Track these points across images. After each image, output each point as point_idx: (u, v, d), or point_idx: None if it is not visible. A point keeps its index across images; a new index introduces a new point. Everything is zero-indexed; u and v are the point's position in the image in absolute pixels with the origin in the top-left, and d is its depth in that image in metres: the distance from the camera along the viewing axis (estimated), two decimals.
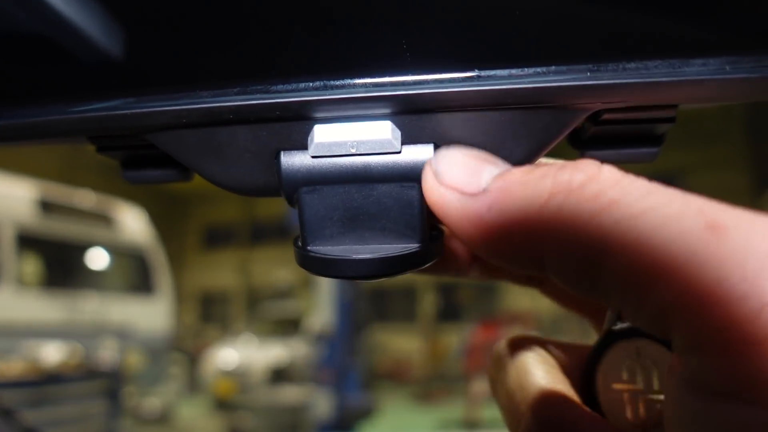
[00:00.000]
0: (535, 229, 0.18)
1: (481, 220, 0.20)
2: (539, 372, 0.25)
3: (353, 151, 0.24)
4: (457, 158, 0.21)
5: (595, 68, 0.21)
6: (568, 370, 0.27)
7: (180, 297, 11.04)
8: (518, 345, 0.27)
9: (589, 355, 0.27)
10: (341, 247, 0.25)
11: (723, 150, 10.50)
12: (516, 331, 0.31)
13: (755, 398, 0.15)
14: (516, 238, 0.19)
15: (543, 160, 0.26)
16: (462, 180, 0.20)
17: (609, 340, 0.27)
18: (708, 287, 0.15)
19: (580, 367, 0.27)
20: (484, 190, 0.20)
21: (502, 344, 0.28)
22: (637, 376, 0.26)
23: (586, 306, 0.32)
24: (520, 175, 0.20)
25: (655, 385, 0.26)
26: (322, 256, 0.24)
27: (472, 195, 0.20)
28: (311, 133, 0.24)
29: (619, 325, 0.27)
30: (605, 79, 0.21)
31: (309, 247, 0.25)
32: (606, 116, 0.24)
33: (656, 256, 0.16)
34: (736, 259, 0.15)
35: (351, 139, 0.24)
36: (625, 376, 0.26)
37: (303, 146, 0.24)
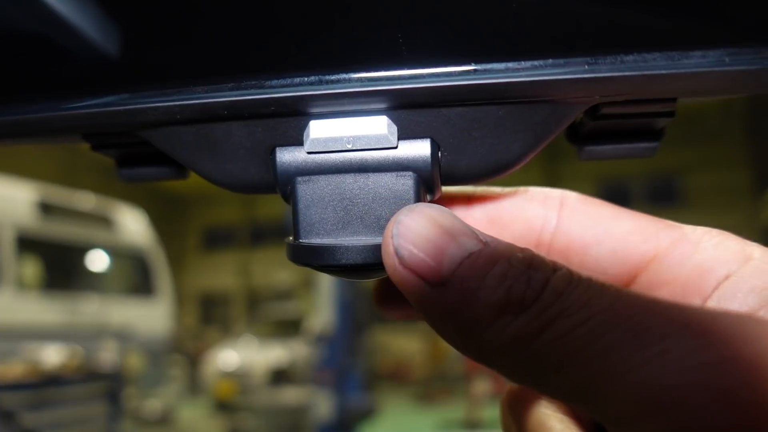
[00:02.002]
0: (490, 344, 0.19)
1: (443, 315, 0.20)
2: (557, 425, 0.25)
3: (349, 146, 0.23)
4: (418, 231, 0.20)
5: (593, 61, 0.20)
6: (583, 421, 0.26)
7: (180, 299, 11.05)
8: (531, 397, 0.26)
9: None
10: (334, 238, 0.24)
11: (723, 149, 10.49)
12: None
13: None
14: (472, 348, 0.20)
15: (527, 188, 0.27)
16: (422, 266, 0.20)
17: None
18: (639, 403, 0.16)
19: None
20: (444, 283, 0.19)
21: (513, 394, 0.27)
22: None
23: None
24: (478, 276, 0.19)
25: None
26: (314, 245, 0.24)
27: (432, 288, 0.20)
28: (306, 128, 0.24)
29: None
30: (603, 72, 0.20)
31: (301, 239, 0.24)
32: (604, 110, 0.24)
33: (590, 372, 0.17)
34: (660, 372, 0.16)
35: (347, 134, 0.23)
36: None
37: (298, 142, 0.24)
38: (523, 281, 0.19)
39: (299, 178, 0.24)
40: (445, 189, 0.27)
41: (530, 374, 0.19)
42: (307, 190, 0.24)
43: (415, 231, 0.20)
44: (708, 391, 0.15)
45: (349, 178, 0.24)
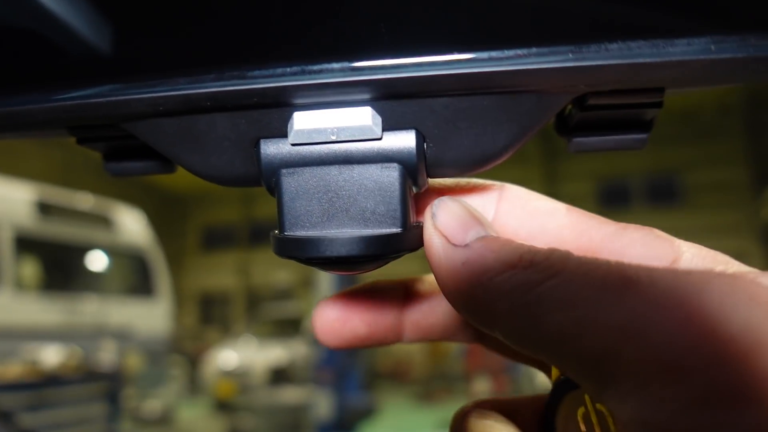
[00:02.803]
0: (495, 290, 0.21)
1: (455, 270, 0.22)
2: (501, 428, 0.26)
3: (333, 138, 0.23)
4: (455, 210, 0.24)
5: (577, 49, 0.20)
6: (528, 427, 0.28)
7: (179, 298, 11.05)
8: (474, 413, 0.27)
9: (544, 409, 0.27)
10: (319, 231, 0.24)
11: (722, 147, 10.50)
12: None
13: (688, 426, 0.16)
14: (477, 294, 0.22)
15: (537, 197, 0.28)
16: (451, 229, 0.23)
17: (561, 391, 0.26)
18: (620, 332, 0.17)
19: (539, 421, 0.28)
20: (466, 245, 0.22)
21: (458, 415, 0.28)
22: (594, 423, 0.25)
23: (534, 360, 0.32)
24: (498, 245, 0.22)
25: (613, 430, 0.25)
26: (299, 237, 0.24)
27: (455, 246, 0.23)
28: (290, 120, 0.23)
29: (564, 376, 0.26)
30: (587, 60, 0.20)
31: (286, 232, 0.24)
32: (592, 101, 0.24)
33: (580, 312, 0.19)
34: (638, 303, 0.18)
35: (331, 125, 0.23)
36: (582, 425, 0.26)
37: (283, 134, 0.24)
38: (532, 252, 0.21)
39: (284, 171, 0.24)
40: None
41: (526, 317, 0.20)
42: (291, 182, 0.24)
43: (452, 206, 0.24)
44: (685, 315, 0.17)
45: (333, 170, 0.24)
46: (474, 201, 0.28)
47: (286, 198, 0.24)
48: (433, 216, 0.24)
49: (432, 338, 0.33)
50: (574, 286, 0.19)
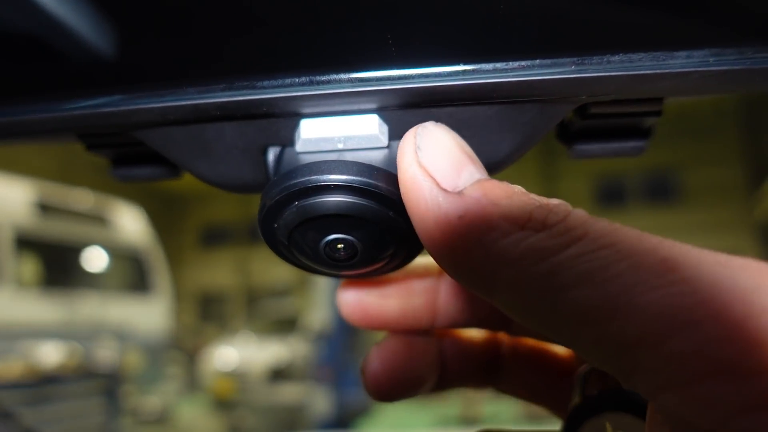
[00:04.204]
0: (497, 256, 0.18)
1: (447, 224, 0.19)
2: None
3: (340, 146, 0.24)
4: (443, 141, 0.20)
5: (580, 61, 0.21)
6: None
7: (178, 296, 11.03)
8: None
9: None
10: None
11: (718, 146, 10.51)
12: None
13: (738, 430, 0.14)
14: (475, 257, 0.18)
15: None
16: (441, 169, 0.19)
17: (577, 420, 0.25)
18: (666, 320, 0.15)
19: None
20: (460, 193, 0.19)
21: None
22: None
23: (544, 397, 0.31)
24: (500, 194, 0.19)
25: None
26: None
27: (446, 192, 0.19)
28: (298, 128, 0.24)
29: (583, 400, 0.25)
30: (590, 71, 0.21)
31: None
32: (593, 110, 0.24)
33: (613, 289, 0.16)
34: (688, 290, 0.15)
35: (338, 134, 0.24)
36: None
37: (290, 142, 0.24)
38: (545, 207, 0.18)
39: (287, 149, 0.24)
40: None
41: (538, 290, 0.17)
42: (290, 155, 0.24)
43: (440, 135, 0.20)
44: (745, 305, 0.15)
45: None
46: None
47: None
48: (417, 147, 0.20)
49: (465, 325, 0.30)
50: (601, 259, 0.16)
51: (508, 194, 0.19)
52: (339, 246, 0.23)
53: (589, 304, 0.16)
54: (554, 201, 0.19)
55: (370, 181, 0.22)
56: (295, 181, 0.22)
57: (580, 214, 0.18)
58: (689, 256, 0.16)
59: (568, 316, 0.17)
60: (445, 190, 0.19)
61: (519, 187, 0.20)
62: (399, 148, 0.21)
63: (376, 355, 0.28)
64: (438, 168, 0.19)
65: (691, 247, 0.17)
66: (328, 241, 0.23)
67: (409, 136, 0.21)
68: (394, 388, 0.28)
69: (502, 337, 0.32)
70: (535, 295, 0.17)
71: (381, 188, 0.22)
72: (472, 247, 0.18)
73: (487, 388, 0.32)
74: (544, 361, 0.31)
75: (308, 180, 0.22)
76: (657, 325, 0.15)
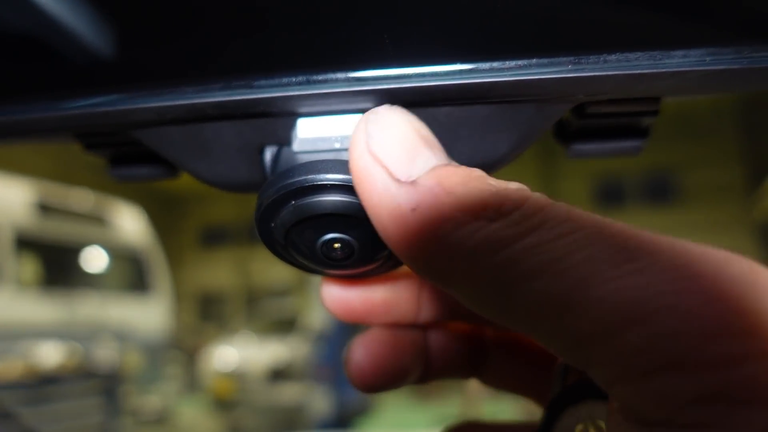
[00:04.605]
0: (452, 248, 0.17)
1: (401, 216, 0.18)
2: None
3: (337, 146, 0.24)
4: (397, 125, 0.19)
5: (577, 60, 0.21)
6: None
7: (178, 296, 11.03)
8: None
9: (538, 430, 0.25)
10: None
11: (717, 146, 10.51)
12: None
13: (690, 421, 0.14)
14: (430, 249, 0.18)
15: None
16: (393, 158, 0.19)
17: (556, 409, 0.25)
18: (618, 314, 0.15)
19: None
20: (414, 183, 0.18)
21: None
22: None
23: (528, 389, 0.31)
24: (456, 182, 0.18)
25: None
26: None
27: (399, 182, 0.18)
28: (295, 127, 0.24)
29: (562, 390, 0.25)
30: (587, 71, 0.21)
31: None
32: (590, 109, 0.24)
33: (568, 282, 0.16)
34: (644, 282, 0.15)
35: (335, 134, 0.24)
36: None
37: (287, 141, 0.24)
38: (502, 194, 0.18)
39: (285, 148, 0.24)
40: None
41: (494, 283, 0.17)
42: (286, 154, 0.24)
43: (393, 121, 0.19)
44: (704, 295, 0.14)
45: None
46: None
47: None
48: (368, 135, 0.19)
49: (449, 317, 0.30)
50: (558, 249, 0.16)
51: (463, 181, 0.18)
52: (336, 245, 0.23)
53: (543, 297, 0.16)
54: (513, 186, 0.18)
55: None
56: (292, 180, 0.22)
57: (538, 199, 0.18)
58: (649, 244, 0.16)
59: (524, 309, 0.16)
60: (398, 180, 0.18)
61: (478, 171, 0.19)
62: (352, 135, 0.20)
63: (360, 346, 0.28)
64: (390, 156, 0.19)
65: (653, 235, 0.16)
66: (324, 241, 0.23)
67: (361, 122, 0.20)
68: (378, 379, 0.28)
69: (487, 329, 0.32)
70: (491, 288, 0.17)
71: None
72: (427, 240, 0.18)
73: (471, 378, 0.32)
74: (528, 353, 0.31)
75: (305, 179, 0.21)
76: (609, 320, 0.15)
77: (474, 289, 0.18)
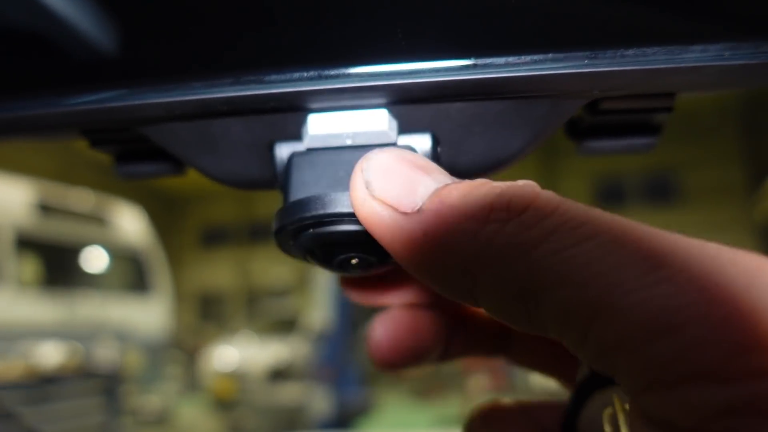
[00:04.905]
0: (470, 260, 0.17)
1: (414, 243, 0.18)
2: None
3: (349, 142, 0.23)
4: (391, 166, 0.19)
5: (593, 55, 0.20)
6: (546, 430, 0.26)
7: (178, 296, 11.03)
8: (494, 411, 0.26)
9: (565, 413, 0.25)
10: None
11: (718, 146, 10.51)
12: None
13: (716, 428, 0.14)
14: (450, 266, 0.18)
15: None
16: (395, 195, 0.19)
17: (584, 393, 0.25)
18: (647, 324, 0.15)
19: (560, 425, 0.26)
20: (419, 210, 0.18)
21: (475, 416, 0.27)
22: (620, 423, 0.23)
23: (554, 367, 0.31)
24: (458, 196, 0.18)
25: None
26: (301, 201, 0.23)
27: (406, 215, 0.19)
28: (305, 124, 0.23)
29: (591, 374, 0.25)
30: (603, 66, 0.20)
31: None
32: (604, 105, 0.24)
33: (594, 291, 0.15)
34: (673, 291, 0.15)
35: (346, 130, 0.23)
36: (607, 426, 0.24)
37: (298, 137, 0.24)
38: (508, 194, 0.17)
39: (296, 153, 0.24)
40: None
41: (517, 293, 0.17)
42: (302, 161, 0.24)
43: (386, 164, 0.20)
44: (737, 306, 0.14)
45: (346, 154, 0.24)
46: None
47: (295, 178, 0.24)
48: (367, 182, 0.19)
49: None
50: (581, 255, 0.16)
51: (465, 193, 0.18)
52: (353, 261, 0.23)
53: (570, 306, 0.16)
54: (520, 182, 0.18)
55: None
56: (309, 214, 0.22)
57: (549, 197, 0.17)
58: (677, 250, 0.15)
59: (550, 318, 0.16)
60: (404, 213, 0.19)
61: (481, 180, 0.19)
62: (350, 187, 0.20)
63: (380, 325, 0.28)
64: (392, 194, 0.19)
65: (680, 239, 0.16)
66: (342, 258, 0.23)
67: (356, 174, 0.20)
68: (398, 357, 0.28)
69: None
70: (516, 299, 0.17)
71: None
72: (444, 258, 0.18)
73: (497, 357, 0.32)
74: None
75: (322, 215, 0.21)
76: (637, 330, 0.15)
77: (499, 302, 0.18)
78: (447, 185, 0.19)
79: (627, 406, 0.23)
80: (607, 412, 0.24)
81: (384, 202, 0.19)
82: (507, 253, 0.17)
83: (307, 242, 0.22)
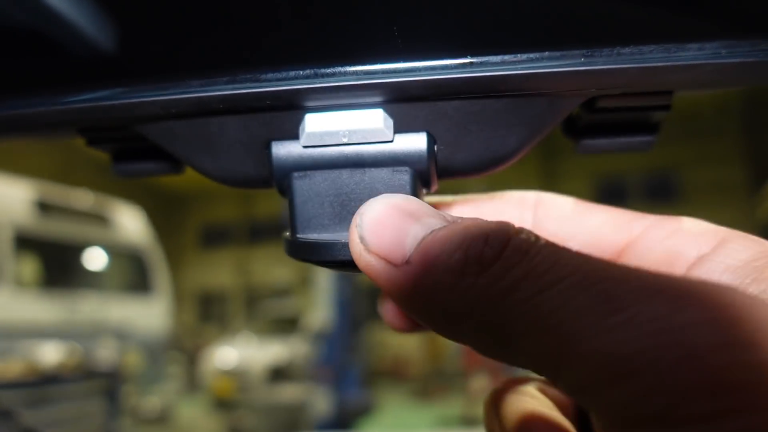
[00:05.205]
0: (451, 311, 0.19)
1: (406, 293, 0.20)
2: (538, 414, 0.25)
3: (345, 140, 0.23)
4: (381, 219, 0.21)
5: (590, 53, 0.20)
6: (565, 408, 0.27)
7: (178, 296, 11.04)
8: (512, 390, 0.27)
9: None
10: (331, 234, 0.24)
11: (720, 145, 10.51)
12: None
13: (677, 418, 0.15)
14: (436, 314, 0.19)
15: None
16: (386, 248, 0.20)
17: None
18: (604, 370, 0.15)
19: (578, 406, 0.27)
20: (407, 262, 0.20)
21: (496, 390, 0.27)
22: None
23: None
24: (439, 246, 0.19)
25: None
26: (311, 240, 0.24)
27: (396, 266, 0.20)
28: (302, 122, 0.23)
29: None
30: (599, 64, 0.20)
31: (298, 235, 0.24)
32: (601, 104, 0.24)
33: (556, 338, 0.16)
34: (626, 337, 0.15)
35: (343, 128, 0.23)
36: None
37: (294, 136, 0.24)
38: (481, 242, 0.19)
39: (296, 174, 0.24)
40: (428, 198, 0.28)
41: (494, 339, 0.18)
42: (303, 185, 0.24)
43: (376, 218, 0.21)
44: (684, 350, 0.15)
45: (345, 174, 0.24)
46: (511, 212, 0.27)
47: (298, 201, 0.24)
48: (361, 238, 0.21)
49: None
50: (546, 302, 0.17)
51: (444, 241, 0.19)
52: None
53: (537, 352, 0.17)
54: (493, 225, 0.19)
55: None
56: (314, 259, 0.24)
57: (520, 242, 0.18)
58: (637, 290, 0.16)
59: (524, 361, 0.18)
60: (396, 265, 0.20)
61: (464, 223, 0.20)
62: (349, 241, 0.22)
63: None
64: (384, 248, 0.20)
65: (647, 275, 0.17)
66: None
67: (352, 230, 0.21)
68: (411, 319, 0.29)
69: None
70: (494, 344, 0.18)
71: None
72: (430, 307, 0.19)
73: None
74: None
75: (325, 260, 0.24)
76: (599, 374, 0.15)
77: (482, 345, 0.19)
78: (432, 232, 0.20)
79: None
80: None
81: (378, 255, 0.20)
82: (481, 304, 0.18)
83: (314, 263, 0.25)
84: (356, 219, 0.21)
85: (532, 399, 0.26)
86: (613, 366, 0.15)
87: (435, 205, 0.28)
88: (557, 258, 0.17)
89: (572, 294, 0.16)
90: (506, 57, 0.21)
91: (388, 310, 0.29)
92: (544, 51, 0.20)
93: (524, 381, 0.28)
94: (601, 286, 0.16)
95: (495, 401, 0.27)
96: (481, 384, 6.16)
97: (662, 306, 0.15)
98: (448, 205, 0.29)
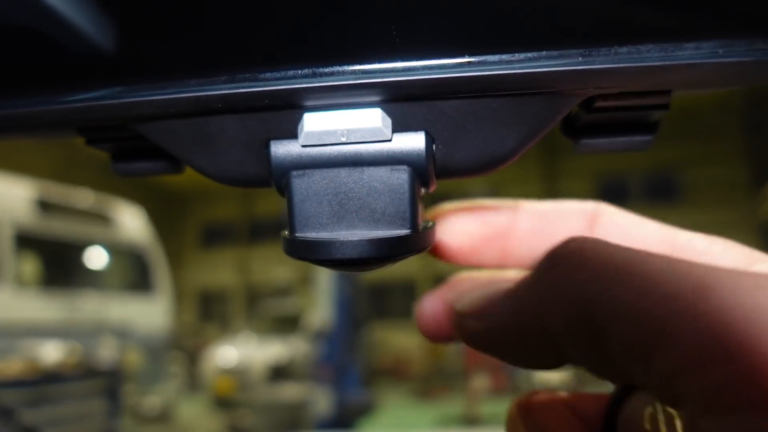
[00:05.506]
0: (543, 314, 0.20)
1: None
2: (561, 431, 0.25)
3: (343, 139, 0.23)
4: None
5: (587, 53, 0.20)
6: (589, 424, 0.27)
7: (179, 295, 11.05)
8: (536, 403, 0.27)
9: (608, 407, 0.26)
10: (330, 232, 0.24)
11: (721, 145, 10.51)
12: None
13: None
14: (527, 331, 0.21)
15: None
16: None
17: (627, 388, 0.25)
18: (699, 352, 0.16)
19: (601, 418, 0.27)
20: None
21: (520, 403, 0.28)
22: (660, 423, 0.24)
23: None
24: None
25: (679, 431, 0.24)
26: (309, 239, 0.24)
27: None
28: (301, 121, 0.24)
29: None
30: (597, 63, 0.20)
31: (297, 233, 0.24)
32: (599, 103, 0.24)
33: (652, 322, 0.16)
34: (725, 317, 0.16)
35: (341, 127, 0.23)
36: (647, 425, 0.24)
37: (293, 135, 0.24)
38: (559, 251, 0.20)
39: (294, 173, 0.24)
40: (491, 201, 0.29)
41: (587, 336, 0.19)
42: (302, 184, 0.24)
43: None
44: None
45: (343, 172, 0.24)
46: (576, 223, 0.29)
47: (296, 200, 0.24)
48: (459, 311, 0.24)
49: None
50: (633, 290, 0.17)
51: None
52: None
53: (632, 340, 0.17)
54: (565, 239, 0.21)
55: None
56: (312, 257, 0.24)
57: (578, 242, 0.20)
58: (724, 280, 0.16)
59: (618, 354, 0.18)
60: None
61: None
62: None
63: (433, 298, 0.29)
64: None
65: (726, 271, 0.17)
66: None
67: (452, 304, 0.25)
68: (446, 330, 0.29)
69: None
70: (589, 340, 0.19)
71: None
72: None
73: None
74: None
75: (323, 259, 0.24)
76: (691, 358, 0.16)
77: (572, 339, 0.19)
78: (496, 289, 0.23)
79: (670, 410, 0.24)
80: (648, 411, 0.24)
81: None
82: (569, 296, 0.19)
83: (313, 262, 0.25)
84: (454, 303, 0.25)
85: (560, 414, 0.26)
86: (708, 347, 0.15)
87: (499, 207, 0.30)
88: (623, 255, 0.19)
89: (662, 283, 0.17)
90: (504, 56, 0.21)
91: (425, 315, 0.29)
92: (542, 50, 0.20)
93: (549, 394, 0.28)
94: (690, 277, 0.17)
95: (521, 414, 0.27)
96: (482, 383, 6.17)
97: (756, 293, 0.16)
98: (513, 208, 0.30)
